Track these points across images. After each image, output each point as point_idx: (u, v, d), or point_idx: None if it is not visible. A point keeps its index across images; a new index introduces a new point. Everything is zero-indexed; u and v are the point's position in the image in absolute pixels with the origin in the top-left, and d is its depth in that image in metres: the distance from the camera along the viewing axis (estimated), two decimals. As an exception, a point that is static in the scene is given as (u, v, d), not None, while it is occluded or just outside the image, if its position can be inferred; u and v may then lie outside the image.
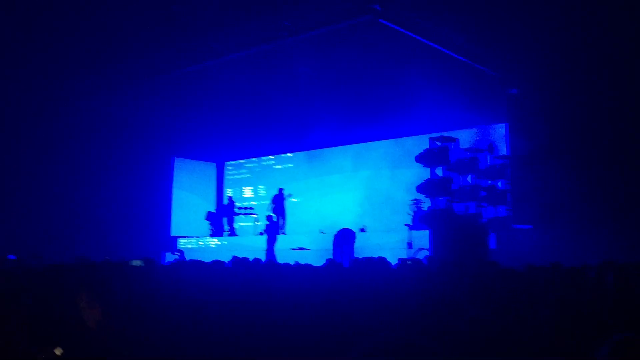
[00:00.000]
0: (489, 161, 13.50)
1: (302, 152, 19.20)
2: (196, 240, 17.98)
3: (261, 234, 16.10)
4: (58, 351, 3.02)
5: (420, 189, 12.51)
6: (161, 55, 13.89)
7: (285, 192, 16.85)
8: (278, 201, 16.74)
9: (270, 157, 20.26)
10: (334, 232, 13.53)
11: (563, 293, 3.49)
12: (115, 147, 16.88)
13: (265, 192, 20.03)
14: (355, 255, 12.48)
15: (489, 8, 11.00)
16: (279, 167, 20.06)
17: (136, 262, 6.84)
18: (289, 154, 19.71)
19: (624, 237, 10.85)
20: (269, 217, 15.85)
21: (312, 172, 18.69)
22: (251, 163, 20.89)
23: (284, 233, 16.48)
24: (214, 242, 17.59)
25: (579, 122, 12.52)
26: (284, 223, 16.48)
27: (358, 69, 13.90)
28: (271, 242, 15.13)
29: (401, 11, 11.44)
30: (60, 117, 15.61)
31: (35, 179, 15.27)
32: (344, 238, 13.13)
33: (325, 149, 18.40)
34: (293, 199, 16.55)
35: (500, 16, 11.22)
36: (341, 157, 18.01)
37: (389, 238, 13.77)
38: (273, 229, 15.45)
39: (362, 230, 15.00)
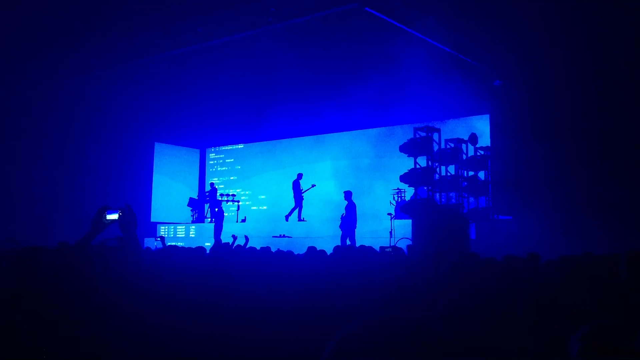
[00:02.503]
0: (471, 152, 13.59)
1: (280, 140, 19.18)
2: (178, 228, 17.88)
3: (211, 221, 16.36)
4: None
5: (404, 178, 12.58)
6: (143, 37, 13.69)
7: (302, 179, 16.34)
8: (296, 187, 16.27)
9: (247, 144, 20.21)
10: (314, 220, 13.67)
11: (539, 284, 3.53)
12: (94, 131, 16.66)
13: (242, 179, 20.05)
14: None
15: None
16: (256, 154, 20.04)
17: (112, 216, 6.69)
18: (263, 142, 19.69)
19: (602, 229, 11.02)
20: (217, 204, 15.91)
21: (295, 160, 18.67)
22: (232, 149, 20.80)
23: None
24: (193, 228, 17.53)
25: (559, 115, 12.65)
26: (299, 209, 16.01)
27: (343, 57, 13.86)
28: (218, 228, 15.40)
29: (388, 0, 11.40)
30: (39, 101, 15.34)
31: (13, 163, 15.00)
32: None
33: (307, 137, 18.40)
34: (313, 185, 16.07)
35: (486, 8, 11.24)
36: (323, 145, 18.01)
37: (375, 226, 13.86)
38: (220, 216, 15.69)
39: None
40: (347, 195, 13.74)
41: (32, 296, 3.38)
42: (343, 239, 13.20)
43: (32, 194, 15.07)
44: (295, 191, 16.02)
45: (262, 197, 19.51)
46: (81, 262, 3.66)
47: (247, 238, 9.43)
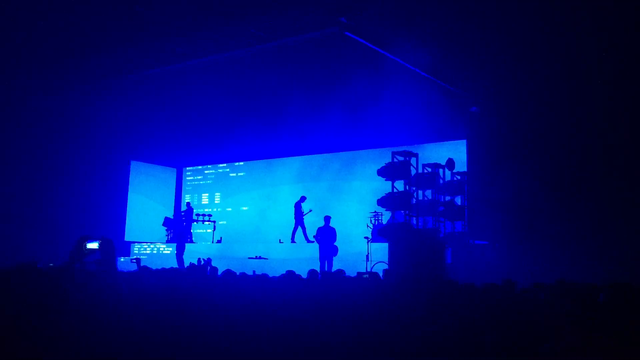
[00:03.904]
0: (448, 177, 13.71)
1: (258, 161, 19.16)
2: (150, 246, 17.61)
3: (167, 241, 16.27)
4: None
5: (381, 202, 12.62)
6: (122, 56, 13.62)
7: (304, 203, 15.93)
8: (297, 208, 15.87)
9: (225, 164, 20.13)
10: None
11: (515, 312, 3.53)
12: (70, 148, 16.41)
13: (220, 199, 19.94)
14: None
15: (453, 27, 11.21)
16: (234, 174, 19.96)
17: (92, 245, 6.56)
18: (241, 163, 19.63)
19: (578, 255, 11.15)
20: (166, 223, 15.75)
21: (272, 181, 18.63)
22: (209, 170, 20.68)
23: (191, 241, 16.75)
24: (169, 249, 17.29)
25: (535, 140, 12.86)
26: (303, 229, 15.63)
27: (323, 80, 13.96)
28: (180, 249, 15.26)
29: (367, 25, 11.54)
30: (13, 117, 15.07)
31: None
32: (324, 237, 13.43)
33: (286, 158, 18.42)
34: (309, 211, 15.83)
35: (465, 35, 11.44)
36: (301, 167, 18.03)
37: (351, 249, 13.82)
38: (182, 236, 15.64)
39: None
40: (327, 220, 13.74)
41: (5, 318, 3.29)
42: (322, 262, 13.14)
43: (5, 211, 14.72)
44: (296, 212, 15.82)
45: (238, 216, 19.37)
46: (59, 285, 3.62)
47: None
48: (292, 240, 15.63)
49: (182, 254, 15.20)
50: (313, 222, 15.16)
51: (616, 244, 11.28)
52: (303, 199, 15.91)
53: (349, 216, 15.97)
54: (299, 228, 15.63)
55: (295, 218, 15.68)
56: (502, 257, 12.27)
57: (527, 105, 12.77)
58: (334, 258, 13.31)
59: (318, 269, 11.14)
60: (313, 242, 14.71)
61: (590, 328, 3.07)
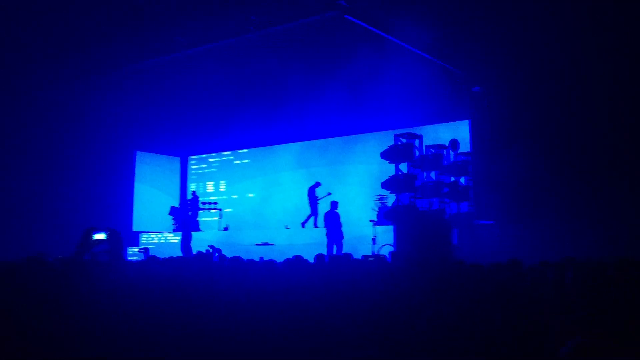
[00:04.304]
0: (452, 158, 13.68)
1: (262, 148, 19.15)
2: (158, 236, 17.69)
3: (174, 230, 16.13)
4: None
5: (385, 185, 12.61)
6: (124, 46, 13.59)
7: (319, 187, 15.86)
8: (311, 194, 15.82)
9: (229, 152, 20.13)
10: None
11: (522, 292, 3.55)
12: (75, 140, 16.44)
13: (225, 187, 19.99)
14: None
15: (454, 6, 11.12)
16: (238, 162, 19.97)
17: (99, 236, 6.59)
18: (245, 150, 19.62)
19: (584, 233, 11.15)
20: (173, 212, 15.67)
21: (276, 167, 18.64)
22: (213, 158, 20.70)
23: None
24: (177, 238, 17.38)
25: (539, 119, 12.79)
26: (315, 217, 15.58)
27: (324, 65, 13.90)
28: (186, 238, 15.16)
29: (367, 8, 11.47)
30: (18, 110, 15.10)
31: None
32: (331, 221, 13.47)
33: (289, 143, 18.40)
34: (329, 193, 15.61)
35: (466, 14, 11.36)
36: (305, 151, 18.02)
37: (357, 232, 13.86)
38: (187, 225, 15.48)
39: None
40: (333, 205, 13.75)
41: (20, 309, 3.33)
42: (330, 247, 13.18)
43: (11, 203, 14.81)
44: (310, 198, 15.80)
45: (244, 203, 19.42)
46: (68, 276, 3.66)
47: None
48: (303, 226, 15.58)
49: (189, 242, 15.24)
50: (320, 208, 15.21)
51: (622, 221, 11.26)
52: (317, 184, 15.88)
53: (353, 200, 15.97)
54: (312, 213, 15.62)
55: (310, 205, 15.64)
56: (507, 236, 12.27)
57: (530, 83, 12.68)
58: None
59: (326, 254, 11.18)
60: (318, 227, 14.80)
61: (600, 304, 3.08)
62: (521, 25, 11.38)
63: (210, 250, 11.05)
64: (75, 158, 16.41)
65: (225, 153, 20.39)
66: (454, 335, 2.25)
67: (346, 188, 16.35)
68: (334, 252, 13.08)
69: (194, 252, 10.43)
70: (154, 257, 6.56)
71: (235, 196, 19.80)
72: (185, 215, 16.87)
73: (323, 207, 15.02)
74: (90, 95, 15.97)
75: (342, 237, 13.34)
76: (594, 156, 12.06)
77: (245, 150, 19.79)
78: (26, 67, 14.10)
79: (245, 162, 19.82)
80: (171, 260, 6.18)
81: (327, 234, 13.39)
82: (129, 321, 3.39)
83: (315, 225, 15.34)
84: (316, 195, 15.66)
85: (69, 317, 3.33)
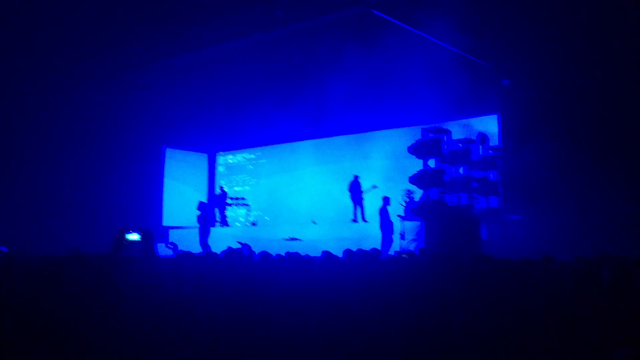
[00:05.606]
0: (480, 152, 13.54)
1: (288, 144, 19.18)
2: (187, 230, 17.90)
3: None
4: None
5: (413, 180, 12.55)
6: (153, 44, 13.79)
7: (362, 180, 15.72)
8: (354, 189, 15.68)
9: (256, 148, 20.23)
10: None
11: (556, 289, 3.52)
12: (106, 138, 16.75)
13: (253, 183, 20.12)
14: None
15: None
16: (264, 160, 20.06)
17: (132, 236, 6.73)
18: (272, 146, 19.68)
19: (613, 229, 10.96)
20: (201, 207, 15.59)
21: (302, 163, 18.69)
22: (241, 154, 20.85)
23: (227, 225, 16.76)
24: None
25: (569, 113, 12.58)
26: (362, 211, 15.51)
27: (351, 60, 13.86)
28: (204, 233, 15.09)
29: (395, 2, 11.40)
30: (51, 109, 15.44)
31: (26, 171, 15.11)
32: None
33: (314, 140, 18.42)
34: (375, 186, 15.40)
35: (494, 7, 11.22)
36: (330, 148, 18.03)
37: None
38: (206, 220, 15.44)
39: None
40: (385, 200, 13.67)
41: (51, 307, 3.43)
42: (385, 243, 13.13)
43: (43, 200, 15.17)
44: (353, 192, 15.68)
45: (271, 199, 19.51)
46: (108, 272, 3.77)
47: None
48: (354, 220, 15.49)
49: (207, 238, 15.21)
50: (343, 201, 15.21)
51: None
52: (357, 178, 15.78)
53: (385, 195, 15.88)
54: (358, 207, 15.59)
55: (352, 199, 15.66)
56: (536, 231, 12.11)
57: (561, 76, 12.47)
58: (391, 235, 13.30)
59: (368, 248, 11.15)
60: (367, 222, 14.82)
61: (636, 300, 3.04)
62: (552, 16, 11.20)
63: (240, 246, 11.17)
64: (107, 155, 16.73)
65: (253, 149, 20.51)
66: (491, 335, 2.25)
67: (377, 183, 16.23)
68: (388, 247, 12.97)
69: (225, 248, 10.49)
70: (187, 252, 6.66)
71: (262, 192, 19.92)
72: (208, 210, 16.85)
73: (370, 200, 14.96)
74: (121, 93, 16.24)
75: (392, 232, 13.22)
76: (627, 151, 11.83)
77: (272, 146, 19.87)
78: (56, 67, 14.40)
79: (271, 158, 19.91)
80: (205, 256, 6.28)
81: (382, 229, 13.30)
82: (166, 317, 3.47)
83: (364, 219, 15.28)
84: (361, 189, 15.58)
85: (109, 309, 3.42)
